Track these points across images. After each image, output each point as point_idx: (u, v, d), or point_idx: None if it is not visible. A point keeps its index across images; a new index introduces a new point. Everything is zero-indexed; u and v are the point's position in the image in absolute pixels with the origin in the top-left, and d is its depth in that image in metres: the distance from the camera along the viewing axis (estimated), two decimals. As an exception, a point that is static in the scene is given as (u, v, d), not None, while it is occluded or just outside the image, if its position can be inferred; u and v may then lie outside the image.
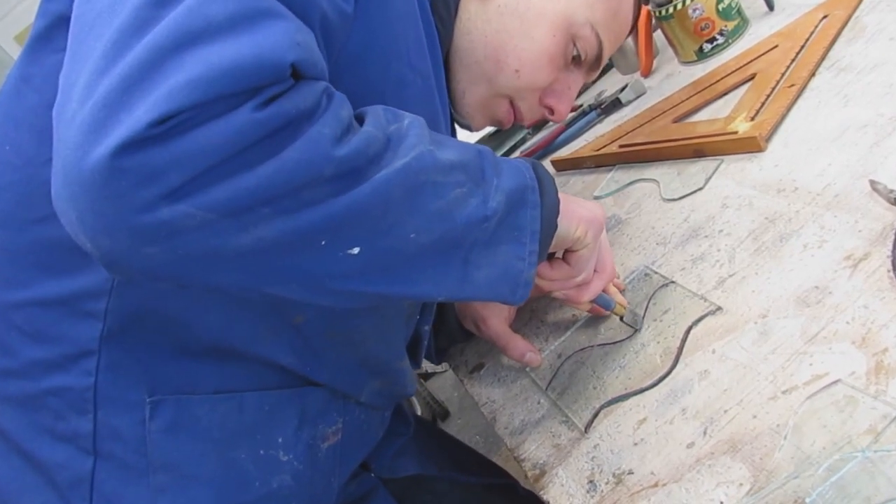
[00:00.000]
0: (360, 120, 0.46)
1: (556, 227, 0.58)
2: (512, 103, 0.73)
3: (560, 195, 0.59)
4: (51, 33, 0.54)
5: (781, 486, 0.48)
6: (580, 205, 0.63)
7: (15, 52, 3.43)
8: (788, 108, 0.83)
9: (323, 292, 0.46)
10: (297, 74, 0.42)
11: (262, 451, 0.63)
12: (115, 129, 0.37)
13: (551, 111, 0.74)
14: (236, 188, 0.39)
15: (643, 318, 0.71)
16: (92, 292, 0.55)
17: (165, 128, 0.37)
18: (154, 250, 0.40)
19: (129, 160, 0.37)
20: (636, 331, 0.70)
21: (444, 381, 2.72)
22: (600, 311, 0.74)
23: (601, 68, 0.76)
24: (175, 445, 0.59)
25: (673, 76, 1.16)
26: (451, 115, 0.71)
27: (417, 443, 0.91)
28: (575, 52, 0.70)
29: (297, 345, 0.62)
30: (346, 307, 0.49)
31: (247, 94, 0.39)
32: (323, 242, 0.43)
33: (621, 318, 0.73)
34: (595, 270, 0.67)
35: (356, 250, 0.44)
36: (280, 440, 0.64)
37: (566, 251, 0.64)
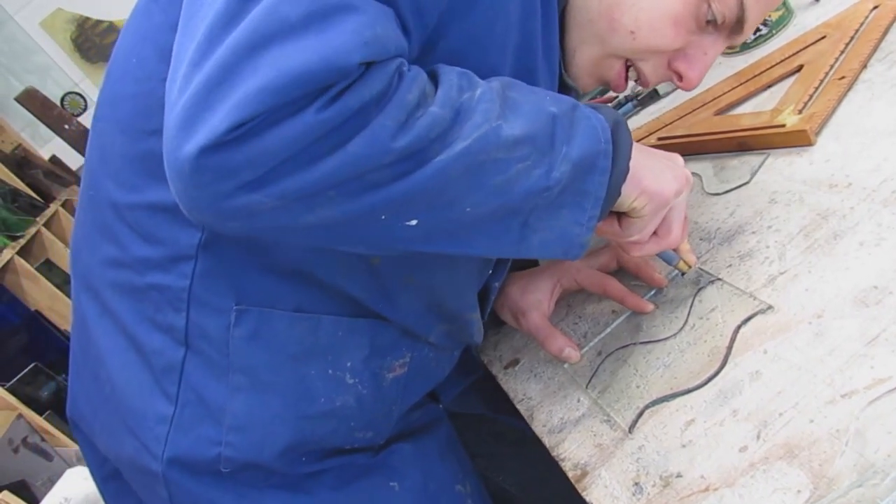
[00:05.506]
0: (435, 81, 0.49)
1: (620, 193, 0.58)
2: (627, 65, 0.69)
3: (642, 153, 0.60)
4: None
5: (844, 494, 0.46)
6: (655, 172, 0.60)
7: (40, 38, 3.41)
8: (839, 101, 0.80)
9: (389, 251, 0.52)
10: (369, 63, 0.45)
11: (330, 371, 0.67)
12: (200, 129, 0.44)
13: (679, 77, 0.68)
14: (303, 180, 0.45)
15: (689, 313, 0.69)
16: None
17: (239, 133, 0.43)
18: (236, 224, 0.48)
19: (209, 160, 0.44)
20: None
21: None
22: (644, 306, 0.72)
23: (747, 34, 0.68)
24: (254, 352, 0.64)
25: (713, 67, 1.12)
26: (560, 75, 0.68)
27: (486, 385, 0.89)
28: (710, 16, 0.64)
29: (371, 284, 0.65)
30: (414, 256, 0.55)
31: (313, 95, 0.44)
32: (383, 217, 0.48)
33: (683, 275, 0.72)
34: (656, 233, 0.65)
35: (414, 222, 0.49)
36: (349, 364, 0.67)
37: (621, 213, 0.63)
